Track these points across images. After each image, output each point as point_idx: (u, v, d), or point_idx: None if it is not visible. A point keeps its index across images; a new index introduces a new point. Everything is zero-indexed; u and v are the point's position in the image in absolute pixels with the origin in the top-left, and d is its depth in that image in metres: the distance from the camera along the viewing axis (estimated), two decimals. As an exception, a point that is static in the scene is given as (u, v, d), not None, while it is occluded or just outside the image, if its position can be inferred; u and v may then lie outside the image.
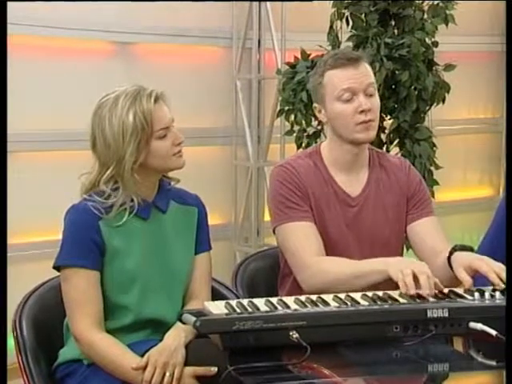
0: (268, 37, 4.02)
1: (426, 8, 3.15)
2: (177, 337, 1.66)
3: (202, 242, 1.89)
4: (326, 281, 1.86)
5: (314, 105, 2.03)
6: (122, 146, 1.70)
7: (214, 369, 1.52)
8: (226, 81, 4.12)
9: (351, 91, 1.92)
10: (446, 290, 1.74)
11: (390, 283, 1.75)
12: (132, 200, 1.75)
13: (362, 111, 1.92)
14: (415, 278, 1.68)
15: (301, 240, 1.94)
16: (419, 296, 1.68)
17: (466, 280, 1.74)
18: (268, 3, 3.98)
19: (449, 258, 1.83)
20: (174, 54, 3.93)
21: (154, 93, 1.75)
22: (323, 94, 1.97)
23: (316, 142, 3.24)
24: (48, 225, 3.11)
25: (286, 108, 3.27)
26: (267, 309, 1.62)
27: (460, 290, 1.74)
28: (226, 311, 1.59)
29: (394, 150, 3.33)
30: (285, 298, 1.71)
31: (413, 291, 1.66)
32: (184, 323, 1.60)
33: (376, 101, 1.97)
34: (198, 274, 1.86)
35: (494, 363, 1.56)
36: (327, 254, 1.94)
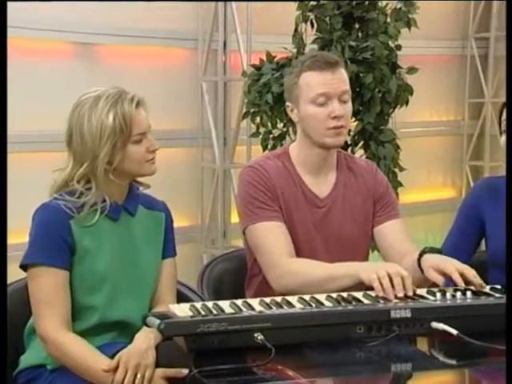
0: (234, 39, 4.03)
1: (389, 12, 3.18)
2: (147, 338, 1.66)
3: (168, 248, 1.90)
4: (296, 282, 1.86)
5: (287, 103, 2.04)
6: (99, 145, 1.71)
7: (185, 371, 1.52)
8: (191, 82, 4.11)
9: (326, 96, 1.94)
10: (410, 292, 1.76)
11: (361, 287, 1.77)
12: (104, 200, 1.75)
13: (334, 117, 1.93)
14: (390, 280, 1.70)
15: (271, 240, 1.94)
16: (383, 297, 1.70)
17: (437, 279, 1.77)
18: (234, 5, 3.99)
19: (419, 260, 1.86)
20: (139, 55, 3.90)
21: (136, 97, 1.78)
22: (298, 95, 1.97)
23: (282, 144, 3.25)
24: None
25: (252, 110, 3.27)
26: (232, 311, 1.62)
27: (422, 291, 1.77)
28: (190, 313, 1.59)
29: (359, 151, 3.36)
30: (250, 300, 1.71)
31: (391, 295, 1.67)
32: (148, 326, 1.60)
33: (349, 107, 1.99)
34: (164, 279, 1.87)
35: (454, 362, 1.59)
36: (297, 256, 1.95)
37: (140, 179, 1.87)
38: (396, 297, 1.69)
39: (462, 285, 1.72)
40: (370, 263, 1.84)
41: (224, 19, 4.04)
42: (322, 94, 1.93)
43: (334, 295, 1.72)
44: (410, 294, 1.70)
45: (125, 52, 3.87)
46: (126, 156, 1.75)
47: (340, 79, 1.96)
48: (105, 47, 3.79)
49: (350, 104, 1.99)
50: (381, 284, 1.70)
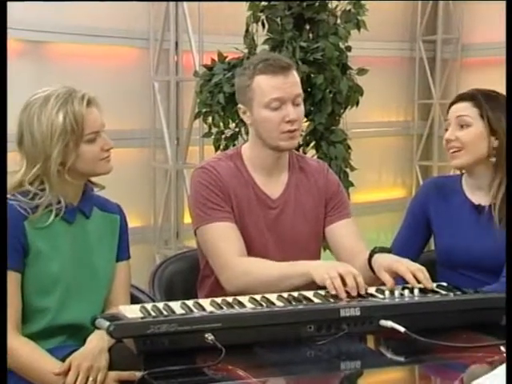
0: (185, 38, 4.02)
1: (338, 13, 3.21)
2: (100, 340, 1.64)
3: (122, 251, 1.89)
4: (249, 282, 1.86)
5: (239, 105, 2.04)
6: (50, 145, 1.69)
7: (139, 374, 1.51)
8: (143, 82, 4.08)
9: (280, 100, 1.94)
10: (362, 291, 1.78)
11: (313, 287, 1.78)
12: (59, 202, 1.73)
13: (288, 121, 1.94)
14: (342, 280, 1.72)
15: (223, 240, 1.94)
16: (333, 296, 1.72)
17: (388, 281, 1.79)
18: (185, 5, 3.97)
19: (369, 260, 1.88)
20: (89, 54, 3.86)
21: (87, 96, 1.76)
22: (251, 98, 1.97)
23: (234, 144, 3.25)
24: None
25: (204, 110, 3.26)
26: (183, 312, 1.62)
27: (372, 289, 1.79)
28: (140, 315, 1.58)
29: (311, 152, 3.38)
30: (201, 301, 1.71)
31: (343, 295, 1.69)
32: (98, 328, 1.58)
33: (302, 110, 2.00)
34: (117, 282, 1.86)
35: (402, 359, 1.62)
36: (248, 256, 1.95)
37: (94, 180, 1.85)
38: (348, 295, 1.71)
39: (416, 285, 1.75)
40: (321, 262, 1.85)
41: (175, 19, 4.02)
42: (276, 99, 1.94)
43: (285, 295, 1.73)
44: (363, 292, 1.72)
45: (75, 51, 3.81)
46: (80, 156, 1.73)
47: (293, 83, 1.97)
48: (55, 46, 3.73)
49: (302, 106, 2.01)
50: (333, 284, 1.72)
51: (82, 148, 1.73)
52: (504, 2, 4.94)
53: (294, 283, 1.82)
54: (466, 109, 2.07)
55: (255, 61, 2.01)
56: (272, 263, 1.90)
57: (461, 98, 2.12)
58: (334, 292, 1.71)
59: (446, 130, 2.11)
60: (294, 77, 1.98)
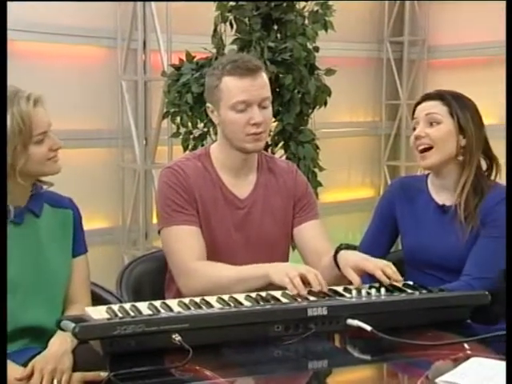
0: (153, 38, 4.00)
1: (306, 14, 3.22)
2: (63, 342, 1.62)
3: (78, 245, 1.86)
4: (206, 285, 1.86)
5: (208, 104, 2.04)
6: None
7: (104, 374, 1.49)
8: (111, 82, 4.05)
9: (246, 103, 1.94)
10: (325, 288, 1.80)
11: (270, 289, 1.78)
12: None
13: (254, 123, 1.94)
14: (302, 279, 1.73)
15: (182, 244, 1.94)
16: (300, 295, 1.72)
17: (355, 279, 1.80)
18: (153, 4, 3.95)
19: (335, 258, 1.89)
20: (55, 53, 3.81)
21: (33, 96, 1.70)
22: (218, 98, 1.97)
23: (203, 145, 3.25)
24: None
25: (172, 110, 3.25)
26: (150, 312, 1.61)
27: (339, 288, 1.80)
28: (107, 316, 1.57)
29: (279, 152, 3.39)
30: (168, 301, 1.70)
31: (303, 292, 1.70)
32: (63, 330, 1.56)
33: (269, 113, 2.00)
34: (76, 278, 1.83)
35: (369, 358, 1.63)
36: (215, 257, 1.95)
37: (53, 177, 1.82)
38: (312, 294, 1.72)
39: (386, 282, 1.76)
40: (279, 264, 1.85)
41: (143, 18, 4.00)
42: (242, 102, 1.94)
43: (253, 295, 1.74)
44: (325, 289, 1.73)
45: (41, 50, 3.77)
46: (29, 157, 1.69)
47: (260, 86, 1.96)
48: (21, 44, 3.68)
49: (270, 109, 2.00)
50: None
51: (31, 150, 1.69)
52: (470, 6, 5.02)
53: (251, 286, 1.82)
54: (435, 107, 2.09)
55: (224, 61, 2.01)
56: (229, 266, 1.89)
57: (428, 97, 2.14)
58: (294, 292, 1.71)
59: (414, 129, 2.13)
60: (263, 79, 1.98)
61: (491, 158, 2.13)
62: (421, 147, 2.08)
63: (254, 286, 1.82)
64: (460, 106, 2.09)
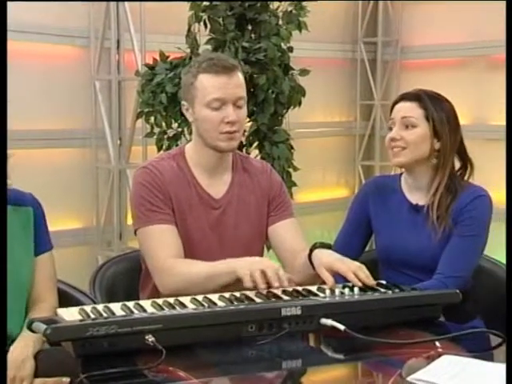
0: (127, 37, 3.97)
1: (280, 14, 3.23)
2: (24, 348, 1.60)
3: (41, 243, 1.83)
4: (177, 283, 1.87)
5: (183, 102, 2.03)
6: None
7: (66, 379, 1.48)
8: (84, 81, 4.02)
9: (221, 101, 1.94)
10: (299, 288, 1.81)
11: (241, 284, 1.79)
12: None
13: (228, 122, 1.94)
14: (264, 275, 1.74)
15: (159, 243, 1.94)
16: (275, 295, 1.73)
17: (329, 279, 1.81)
18: (126, 3, 3.93)
19: (310, 256, 1.90)
20: (28, 52, 3.77)
21: None
22: (193, 96, 1.97)
23: (177, 145, 3.24)
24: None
25: (146, 110, 3.23)
26: (123, 313, 1.61)
27: (313, 288, 1.81)
28: (79, 317, 1.56)
29: (254, 152, 3.39)
30: (142, 302, 1.70)
31: (262, 286, 1.71)
32: (34, 332, 1.55)
33: (243, 113, 2.00)
34: (40, 276, 1.80)
35: (342, 357, 1.64)
36: (190, 256, 1.95)
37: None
38: (286, 293, 1.73)
39: (358, 284, 1.77)
40: (247, 259, 1.85)
41: (117, 17, 3.98)
42: (217, 99, 1.94)
43: (227, 295, 1.74)
44: (286, 284, 1.73)
45: (12, 48, 3.70)
46: None
47: (236, 85, 1.97)
48: (-9, 43, 3.64)
49: (244, 109, 2.00)
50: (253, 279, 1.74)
51: None
52: (443, 7, 5.07)
53: (221, 282, 1.83)
54: (411, 110, 2.09)
55: (201, 59, 2.01)
56: (200, 263, 1.90)
57: (405, 97, 2.13)
58: (249, 285, 1.72)
59: (390, 128, 2.13)
60: (239, 79, 1.98)
61: (465, 159, 2.15)
62: (395, 149, 2.10)
63: (224, 281, 1.83)
64: (437, 109, 2.09)
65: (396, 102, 2.15)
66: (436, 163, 2.09)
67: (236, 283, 1.79)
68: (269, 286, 1.75)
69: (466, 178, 2.15)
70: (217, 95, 1.94)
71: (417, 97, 2.11)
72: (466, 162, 2.15)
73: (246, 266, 1.78)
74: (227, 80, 1.95)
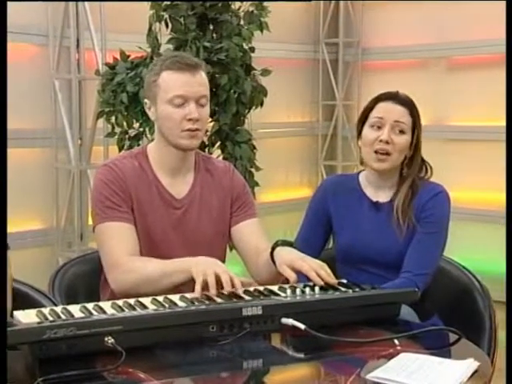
0: (87, 36, 3.93)
1: (242, 14, 3.23)
2: None
3: None
4: (130, 280, 1.86)
5: (145, 100, 2.02)
6: None
7: None
8: (43, 80, 3.97)
9: (184, 98, 1.93)
10: (261, 288, 1.81)
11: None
12: None
13: (190, 119, 1.94)
14: (218, 278, 1.73)
15: (114, 239, 1.93)
16: (236, 295, 1.72)
17: (291, 276, 1.81)
18: (86, 2, 3.89)
19: (272, 254, 1.90)
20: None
21: None
22: (156, 93, 1.96)
23: (138, 144, 3.22)
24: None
25: (107, 109, 3.21)
26: (82, 315, 1.58)
27: (274, 288, 1.81)
28: (37, 320, 1.53)
29: (216, 152, 3.39)
30: (101, 303, 1.68)
31: (214, 291, 1.70)
32: None
33: (206, 112, 1.99)
34: None
35: (302, 356, 1.64)
36: (151, 256, 1.93)
37: None
38: (248, 293, 1.73)
39: (319, 283, 1.78)
40: (202, 259, 1.84)
41: (76, 16, 3.93)
42: (180, 96, 1.93)
43: (188, 295, 1.73)
44: (239, 292, 1.72)
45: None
46: None
47: (199, 83, 1.96)
48: None
49: (207, 108, 2.00)
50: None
51: None
52: (403, 9, 5.14)
53: (175, 280, 1.82)
54: (404, 116, 2.09)
55: (164, 57, 2.01)
56: (154, 260, 1.89)
57: (395, 99, 2.10)
58: (198, 287, 1.71)
59: (373, 126, 2.09)
60: (202, 77, 1.98)
61: (423, 160, 2.18)
62: (380, 152, 2.08)
63: (177, 280, 1.82)
64: (419, 121, 2.12)
65: (381, 100, 2.11)
66: (406, 172, 2.12)
67: (191, 282, 1.78)
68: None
69: (424, 175, 2.17)
70: (179, 92, 1.93)
71: (407, 103, 2.10)
72: (424, 161, 2.18)
73: (200, 268, 1.76)
74: (190, 78, 1.94)
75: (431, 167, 2.17)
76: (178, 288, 1.81)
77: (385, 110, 2.10)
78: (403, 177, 2.13)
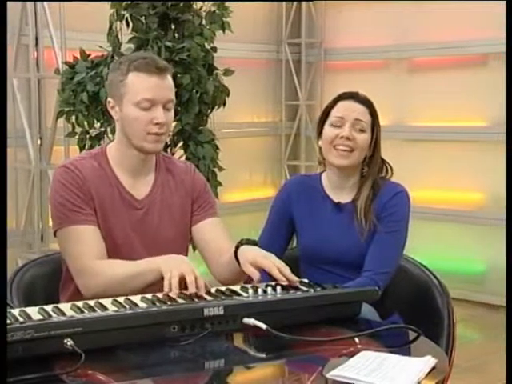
0: (46, 34, 3.88)
1: (203, 14, 3.22)
2: None
3: None
4: (99, 283, 1.84)
5: (109, 99, 1.99)
6: None
7: None
8: (2, 79, 3.90)
9: (151, 102, 1.91)
10: (223, 288, 1.80)
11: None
12: None
13: (156, 123, 1.92)
14: (183, 279, 1.73)
15: (81, 244, 1.90)
16: (198, 296, 1.72)
17: (254, 274, 1.81)
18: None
19: (236, 253, 1.90)
20: None
21: None
22: (122, 94, 1.94)
23: (100, 144, 3.18)
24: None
25: (67, 109, 3.17)
26: (40, 317, 1.56)
27: (236, 287, 1.81)
28: (-7, 323, 1.50)
29: (179, 152, 3.38)
30: (61, 305, 1.66)
31: (176, 291, 1.70)
32: None
33: (171, 116, 1.99)
34: None
35: (264, 355, 1.64)
36: (113, 257, 1.92)
37: None
38: (210, 294, 1.73)
39: (283, 280, 1.79)
40: (170, 256, 1.84)
41: (34, 13, 3.87)
42: (148, 100, 1.91)
43: (149, 296, 1.72)
44: (202, 293, 1.72)
45: None
46: None
47: (167, 87, 1.95)
48: None
49: (172, 112, 1.99)
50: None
51: None
52: (365, 11, 5.19)
53: (146, 280, 1.81)
54: (364, 114, 2.12)
55: (133, 57, 1.98)
56: (122, 262, 1.89)
57: (355, 98, 2.13)
58: (167, 290, 1.71)
59: (333, 124, 2.11)
60: (169, 81, 1.96)
61: (383, 160, 2.20)
62: (342, 148, 2.10)
63: (147, 280, 1.81)
64: (378, 121, 2.15)
65: (342, 99, 2.13)
66: (366, 171, 2.15)
67: (161, 281, 1.77)
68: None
69: (384, 174, 2.19)
70: (148, 96, 1.91)
71: (367, 102, 2.13)
72: (383, 161, 2.20)
73: (168, 267, 1.76)
74: (159, 81, 1.92)
75: (391, 167, 2.20)
76: (150, 287, 1.81)
77: (345, 108, 2.12)
78: (364, 177, 2.15)
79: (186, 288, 1.73)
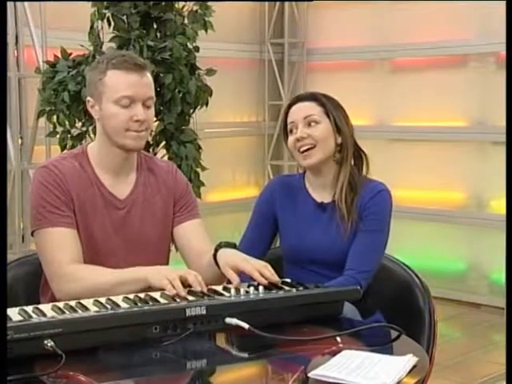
0: (27, 33, 3.85)
1: (186, 13, 3.22)
2: None
3: None
4: (82, 290, 1.81)
5: (88, 98, 1.98)
6: None
7: None
8: (-19, 78, 3.87)
9: (131, 99, 1.91)
10: (204, 289, 1.80)
11: (151, 291, 1.76)
12: None
13: (136, 120, 1.91)
14: (182, 281, 1.72)
15: (58, 247, 1.88)
16: (179, 295, 1.71)
17: (234, 278, 1.81)
18: (25, -2, 3.82)
19: (215, 256, 1.89)
20: None
21: None
22: (101, 92, 1.93)
23: (81, 144, 3.16)
24: None
25: (48, 108, 3.14)
26: (21, 318, 1.55)
27: (218, 288, 1.81)
28: (-28, 325, 1.49)
29: (161, 151, 3.37)
30: (41, 306, 1.64)
31: (183, 293, 1.69)
32: None
33: (152, 113, 1.98)
34: None
35: (246, 355, 1.64)
36: (94, 258, 1.91)
37: None
38: (191, 294, 1.72)
39: (263, 282, 1.78)
40: (158, 267, 1.83)
41: (14, 11, 3.84)
42: (127, 97, 1.90)
43: (131, 296, 1.71)
44: (205, 290, 1.73)
45: None
46: None
47: (146, 84, 1.94)
48: None
49: (152, 109, 1.98)
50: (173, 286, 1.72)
51: None
52: (347, 11, 5.21)
53: (130, 289, 1.78)
54: (312, 108, 2.14)
55: (111, 55, 1.97)
56: (107, 270, 1.86)
57: (301, 99, 2.18)
58: (173, 293, 1.70)
59: (291, 132, 2.16)
60: (148, 78, 1.96)
61: (361, 155, 2.21)
62: (304, 148, 2.12)
63: (132, 289, 1.78)
64: (333, 107, 2.16)
65: (291, 105, 2.18)
66: (340, 158, 2.14)
67: (144, 291, 1.76)
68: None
69: (363, 172, 2.20)
70: (127, 93, 1.90)
71: (312, 96, 2.17)
72: (361, 153, 2.21)
73: (161, 275, 1.74)
74: (138, 78, 1.92)
75: (366, 154, 2.20)
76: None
77: (293, 112, 2.17)
78: (341, 169, 2.15)
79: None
